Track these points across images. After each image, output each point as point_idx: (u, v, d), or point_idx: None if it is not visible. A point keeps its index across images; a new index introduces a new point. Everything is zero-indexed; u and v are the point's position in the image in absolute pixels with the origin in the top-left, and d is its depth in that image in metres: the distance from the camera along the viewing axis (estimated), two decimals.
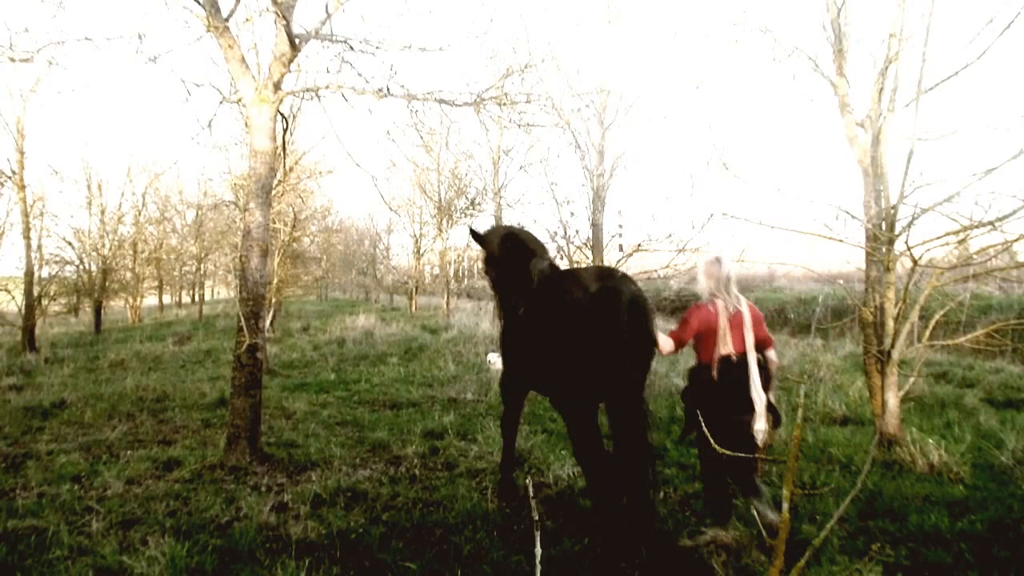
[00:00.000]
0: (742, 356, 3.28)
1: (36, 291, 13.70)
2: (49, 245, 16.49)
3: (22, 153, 13.24)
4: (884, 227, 4.88)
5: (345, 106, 5.15)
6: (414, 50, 5.20)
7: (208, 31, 4.69)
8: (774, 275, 26.38)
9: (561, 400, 3.53)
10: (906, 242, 4.73)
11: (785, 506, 2.21)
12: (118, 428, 6.07)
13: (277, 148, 5.19)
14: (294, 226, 11.80)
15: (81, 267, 17.62)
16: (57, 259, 16.79)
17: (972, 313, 13.32)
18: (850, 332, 12.28)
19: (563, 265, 7.79)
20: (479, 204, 17.72)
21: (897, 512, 3.73)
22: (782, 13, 7.14)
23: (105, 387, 8.32)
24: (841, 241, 4.97)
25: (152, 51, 5.22)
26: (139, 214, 21.83)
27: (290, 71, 5.01)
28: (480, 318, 16.20)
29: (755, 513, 2.99)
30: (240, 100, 5.10)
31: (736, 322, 3.30)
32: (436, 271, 25.06)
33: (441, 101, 5.26)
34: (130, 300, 22.20)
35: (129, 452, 5.25)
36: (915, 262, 4.66)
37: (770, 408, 3.33)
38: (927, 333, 4.91)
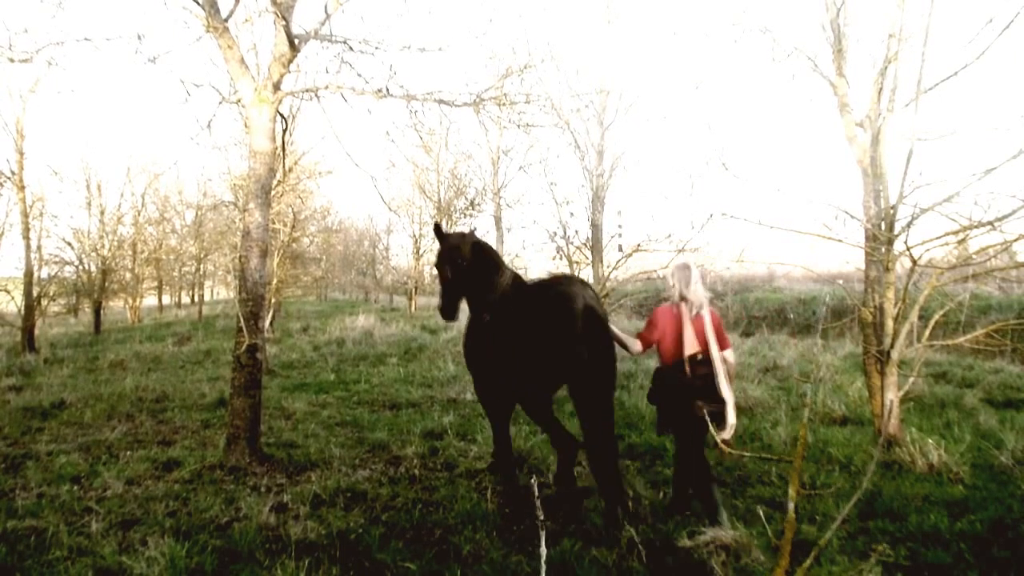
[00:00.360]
0: (706, 355, 3.54)
1: (36, 291, 13.66)
2: (49, 245, 16.49)
3: (21, 153, 13.23)
4: (883, 227, 4.88)
5: (344, 106, 5.16)
6: (413, 50, 5.21)
7: (207, 31, 4.70)
8: (774, 275, 26.35)
9: (520, 391, 3.89)
10: (905, 242, 4.73)
11: (791, 507, 2.22)
12: (118, 429, 6.08)
13: (276, 148, 5.19)
14: (294, 227, 11.81)
15: (80, 267, 17.61)
16: (57, 259, 16.77)
17: (972, 313, 13.31)
18: (850, 332, 12.27)
19: (563, 266, 7.85)
20: (478, 204, 17.73)
21: (897, 512, 3.74)
22: (782, 13, 7.13)
23: (105, 388, 8.31)
24: (840, 241, 4.97)
25: (151, 51, 5.24)
26: (138, 214, 21.81)
27: (289, 71, 5.01)
28: None
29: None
30: (239, 100, 5.10)
31: (698, 324, 3.56)
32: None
33: (440, 101, 5.27)
34: (130, 300, 22.18)
35: (129, 453, 5.26)
36: (914, 262, 4.66)
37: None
38: (927, 333, 4.91)
